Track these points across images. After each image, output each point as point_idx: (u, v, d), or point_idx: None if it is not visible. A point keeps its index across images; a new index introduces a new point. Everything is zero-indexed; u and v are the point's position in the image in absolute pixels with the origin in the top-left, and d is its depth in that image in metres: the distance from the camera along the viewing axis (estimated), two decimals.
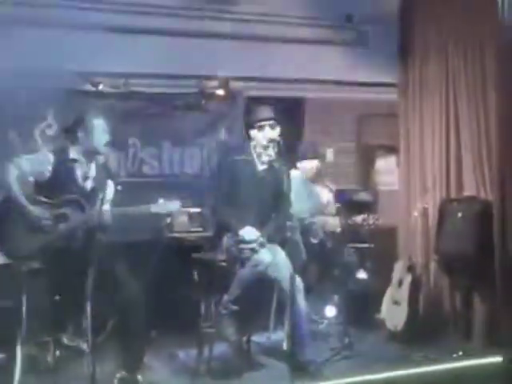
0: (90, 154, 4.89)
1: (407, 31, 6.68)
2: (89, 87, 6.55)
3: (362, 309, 6.23)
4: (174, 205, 4.80)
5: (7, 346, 5.03)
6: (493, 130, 5.58)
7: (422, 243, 6.41)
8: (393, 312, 6.05)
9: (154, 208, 4.76)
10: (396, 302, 6.03)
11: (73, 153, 4.88)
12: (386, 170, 7.84)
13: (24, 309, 4.82)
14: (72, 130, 4.91)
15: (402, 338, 5.94)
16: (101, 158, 4.97)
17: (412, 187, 6.60)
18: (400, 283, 6.07)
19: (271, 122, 5.29)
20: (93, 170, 4.93)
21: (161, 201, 4.77)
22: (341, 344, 5.71)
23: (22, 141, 6.29)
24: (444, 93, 6.26)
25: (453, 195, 6.17)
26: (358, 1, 7.01)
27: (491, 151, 5.72)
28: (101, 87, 6.57)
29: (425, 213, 6.30)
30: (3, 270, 4.99)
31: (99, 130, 4.88)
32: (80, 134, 4.86)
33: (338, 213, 6.43)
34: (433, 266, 6.28)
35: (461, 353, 5.48)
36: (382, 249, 6.71)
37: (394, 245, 6.70)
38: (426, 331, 5.97)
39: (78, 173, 4.87)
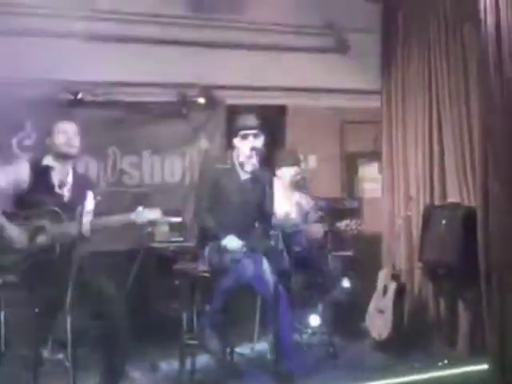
0: (63, 159, 4.83)
1: (390, 37, 6.67)
2: (68, 96, 6.47)
3: (346, 318, 6.18)
4: (153, 213, 4.74)
5: None
6: (476, 136, 5.56)
7: (406, 251, 6.38)
8: (377, 320, 6.00)
9: (134, 216, 4.70)
10: (380, 311, 5.98)
11: (47, 160, 4.83)
12: (370, 177, 7.80)
13: (2, 322, 4.74)
14: (42, 138, 4.87)
15: (386, 347, 5.88)
16: (77, 165, 4.90)
17: (395, 194, 6.58)
18: (384, 291, 6.02)
19: (255, 131, 5.24)
20: (70, 177, 4.87)
21: (140, 209, 4.71)
22: (325, 353, 5.66)
23: None
24: (427, 99, 6.24)
25: (436, 202, 6.14)
26: (339, 8, 6.98)
27: (474, 156, 5.70)
28: (80, 96, 6.50)
29: (408, 220, 6.28)
30: None
31: (66, 133, 4.82)
32: (48, 140, 4.83)
33: (320, 220, 6.38)
34: (417, 273, 6.24)
35: (446, 361, 5.46)
36: (365, 257, 6.69)
37: (377, 253, 6.66)
38: (410, 339, 5.94)
39: (55, 180, 4.81)
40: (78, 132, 4.88)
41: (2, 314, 4.82)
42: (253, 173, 5.27)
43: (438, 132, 6.15)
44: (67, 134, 4.83)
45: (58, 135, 4.82)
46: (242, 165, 5.29)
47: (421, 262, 6.05)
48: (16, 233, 4.62)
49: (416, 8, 6.37)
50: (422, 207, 6.19)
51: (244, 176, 5.31)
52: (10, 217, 4.65)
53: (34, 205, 4.69)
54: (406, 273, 6.31)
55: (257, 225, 5.27)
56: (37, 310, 4.70)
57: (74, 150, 4.86)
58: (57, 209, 4.69)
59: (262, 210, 5.24)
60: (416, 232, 6.21)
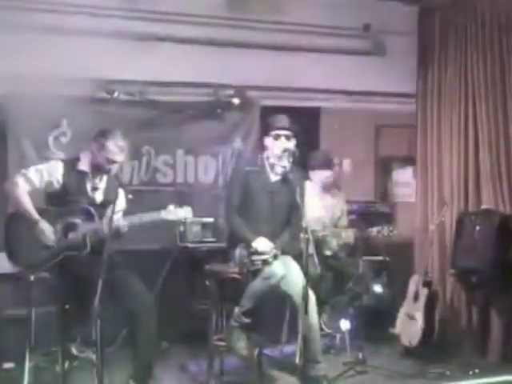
0: (107, 164, 4.82)
1: (426, 40, 6.60)
2: (104, 95, 6.52)
3: (376, 323, 6.11)
4: (184, 211, 4.73)
5: (16, 355, 5.01)
6: None
7: (438, 257, 6.32)
8: (408, 327, 5.93)
9: (165, 214, 4.69)
10: (411, 317, 5.91)
11: (83, 164, 4.85)
12: (403, 181, 7.73)
13: (33, 318, 4.79)
14: (99, 138, 4.81)
15: (417, 354, 5.82)
16: (114, 168, 4.90)
17: (429, 199, 6.51)
18: (416, 297, 5.95)
19: (287, 132, 5.20)
20: (103, 182, 4.90)
21: (171, 207, 4.70)
22: (354, 359, 5.61)
23: (35, 149, 6.28)
24: (463, 104, 6.17)
25: (471, 208, 6.07)
26: (375, 10, 6.94)
27: (510, 163, 5.63)
28: (116, 95, 6.54)
29: (442, 226, 6.21)
30: (12, 279, 4.98)
31: (118, 165, 4.86)
32: (107, 143, 4.76)
33: (352, 225, 6.34)
34: (449, 280, 6.17)
35: (477, 370, 5.37)
36: (397, 262, 6.63)
37: (410, 258, 6.60)
38: (441, 347, 5.85)
39: (88, 185, 4.84)
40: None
41: (33, 308, 4.88)
42: (283, 174, 5.22)
43: (473, 137, 6.09)
44: (118, 165, 4.88)
45: (111, 165, 4.81)
46: (272, 166, 5.25)
47: (453, 269, 5.98)
48: (48, 228, 4.66)
49: (453, 11, 6.30)
50: (455, 213, 6.12)
51: (274, 178, 5.27)
52: (43, 213, 4.71)
53: (66, 203, 4.74)
54: (438, 279, 6.25)
55: (287, 227, 5.25)
56: (67, 306, 4.76)
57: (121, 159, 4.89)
58: (88, 207, 4.73)
59: (292, 213, 5.21)
60: (449, 238, 6.15)
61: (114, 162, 4.81)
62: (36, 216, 4.66)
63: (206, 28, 6.74)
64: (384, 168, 7.79)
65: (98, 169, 4.84)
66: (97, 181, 4.88)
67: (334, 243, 6.13)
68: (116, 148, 4.78)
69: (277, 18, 6.90)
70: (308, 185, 5.76)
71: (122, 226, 4.66)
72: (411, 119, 6.79)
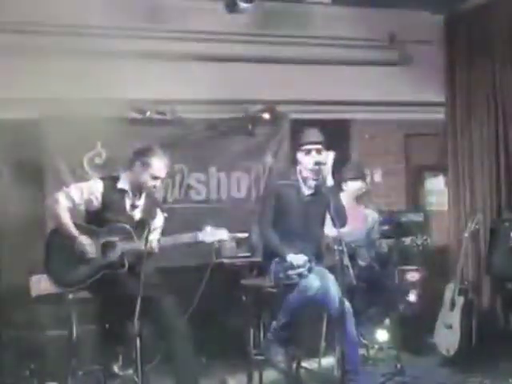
0: (151, 180, 4.86)
1: (453, 49, 6.61)
2: (136, 115, 6.61)
3: (413, 333, 6.11)
4: (220, 233, 4.79)
5: (58, 374, 5.09)
6: None
7: (473, 264, 6.29)
8: (445, 336, 5.92)
9: (201, 236, 4.75)
10: (448, 326, 5.90)
11: (123, 183, 4.90)
12: (435, 190, 7.72)
13: (74, 338, 4.86)
14: (142, 156, 4.87)
15: (455, 363, 5.79)
16: (155, 185, 4.95)
17: (462, 207, 6.50)
18: (452, 306, 5.94)
19: (318, 146, 5.22)
20: (141, 200, 4.96)
21: (208, 228, 4.76)
22: (392, 369, 5.61)
23: (70, 170, 6.39)
24: (493, 111, 6.16)
25: (504, 214, 6.05)
26: (401, 20, 6.96)
27: None
28: (148, 114, 6.63)
29: (475, 233, 6.19)
30: (53, 299, 5.06)
31: (158, 182, 4.92)
32: (151, 160, 4.82)
33: (385, 235, 6.34)
34: (485, 287, 6.15)
35: None
36: (432, 271, 6.61)
37: (444, 266, 6.58)
38: (480, 355, 5.82)
39: (127, 203, 4.90)
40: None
41: (74, 328, 4.95)
42: (317, 187, 5.26)
43: (504, 143, 6.08)
44: (161, 181, 4.95)
45: (155, 181, 4.86)
46: (305, 180, 5.29)
47: (488, 276, 5.96)
48: (88, 242, 4.73)
49: (480, 20, 6.31)
50: (488, 220, 6.11)
51: (308, 191, 5.30)
52: (82, 231, 4.77)
53: (105, 222, 4.81)
54: (474, 287, 6.22)
55: (321, 240, 5.28)
56: (107, 325, 4.83)
57: (164, 175, 4.96)
58: (127, 226, 4.80)
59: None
60: (483, 245, 6.13)
61: (158, 177, 4.87)
62: (75, 232, 4.73)
63: (234, 45, 6.82)
64: (415, 177, 7.79)
65: (138, 187, 4.90)
66: (136, 199, 4.93)
67: (368, 254, 6.14)
68: (161, 164, 4.86)
69: (304, 32, 6.95)
70: (341, 196, 5.78)
71: (159, 246, 4.73)
72: (440, 128, 6.79)
